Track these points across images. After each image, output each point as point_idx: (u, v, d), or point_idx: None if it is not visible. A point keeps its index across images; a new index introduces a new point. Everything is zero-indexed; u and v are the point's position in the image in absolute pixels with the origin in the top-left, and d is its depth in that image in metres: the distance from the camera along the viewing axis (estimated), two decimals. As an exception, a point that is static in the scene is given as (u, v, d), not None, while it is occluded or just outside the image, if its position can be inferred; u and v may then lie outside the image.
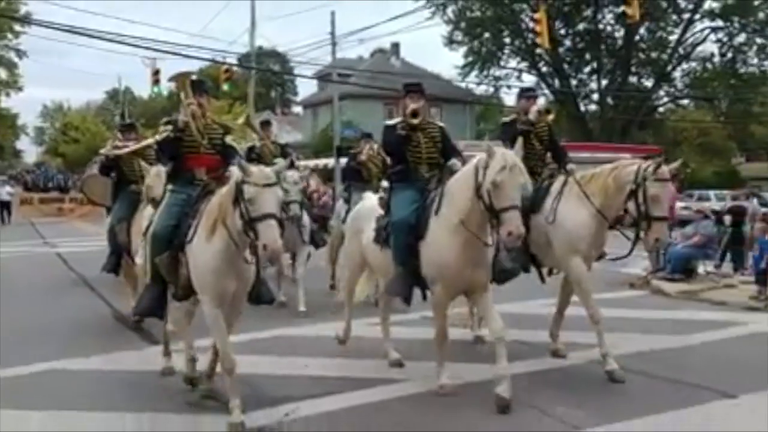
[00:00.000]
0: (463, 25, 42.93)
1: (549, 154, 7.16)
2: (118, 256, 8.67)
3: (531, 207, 6.38)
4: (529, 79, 43.51)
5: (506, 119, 7.52)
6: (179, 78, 5.96)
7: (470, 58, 43.38)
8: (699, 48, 42.08)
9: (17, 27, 44.64)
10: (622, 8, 40.62)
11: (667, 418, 5.01)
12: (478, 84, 44.95)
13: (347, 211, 8.99)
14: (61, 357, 6.81)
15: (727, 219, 13.17)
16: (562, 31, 43.38)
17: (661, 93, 44.93)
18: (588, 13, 42.28)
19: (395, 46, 48.64)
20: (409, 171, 6.03)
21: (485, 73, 44.09)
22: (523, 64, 44.31)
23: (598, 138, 38.73)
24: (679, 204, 14.45)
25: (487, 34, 43.56)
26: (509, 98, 49.72)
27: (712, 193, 29.63)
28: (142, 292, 5.85)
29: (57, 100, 79.18)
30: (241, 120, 11.63)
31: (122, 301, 8.92)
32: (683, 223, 13.11)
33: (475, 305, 5.82)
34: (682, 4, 41.25)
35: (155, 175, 7.25)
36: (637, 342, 7.18)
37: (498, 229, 4.99)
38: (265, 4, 58.48)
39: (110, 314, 9.13)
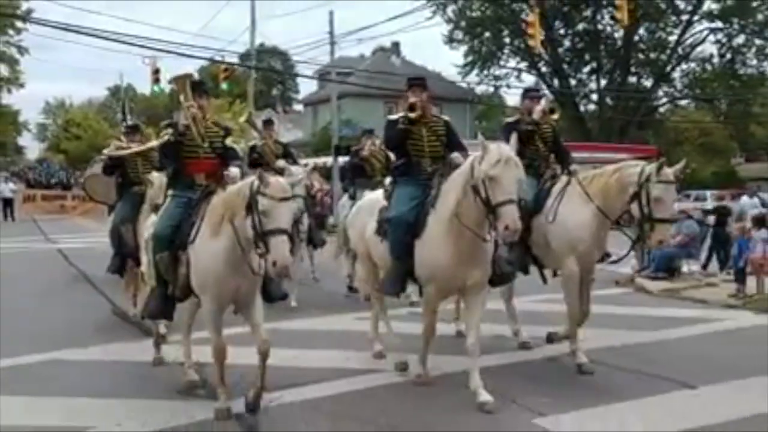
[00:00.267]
0: (463, 24, 43.13)
1: (552, 155, 7.16)
2: (122, 257, 8.71)
3: (533, 208, 6.46)
4: (528, 79, 43.78)
5: (510, 119, 7.53)
6: (179, 80, 5.94)
7: (470, 58, 43.63)
8: (698, 49, 42.23)
9: (19, 23, 44.86)
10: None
11: (627, 405, 5.31)
12: (479, 83, 45.16)
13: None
14: (60, 348, 7.13)
15: (711, 219, 13.44)
16: (562, 31, 43.59)
17: (660, 93, 45.07)
18: (587, 13, 42.44)
19: (395, 45, 48.88)
20: (411, 165, 6.00)
21: (485, 72, 44.35)
22: (523, 64, 44.47)
23: (597, 138, 38.96)
24: (675, 204, 14.69)
25: (487, 34, 43.73)
26: (511, 98, 50.21)
27: (708, 193, 29.89)
28: (149, 294, 5.84)
29: (59, 97, 79.47)
30: (243, 119, 11.81)
31: (120, 296, 9.19)
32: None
33: (465, 305, 5.78)
34: (681, 5, 41.41)
35: (158, 188, 7.18)
36: (613, 337, 7.44)
37: (495, 225, 4.98)
38: (266, 3, 58.66)
39: (109, 308, 9.43)
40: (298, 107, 61.68)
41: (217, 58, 29.32)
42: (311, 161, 25.23)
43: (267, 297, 5.40)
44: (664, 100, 46.29)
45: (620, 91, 41.86)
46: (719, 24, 40.78)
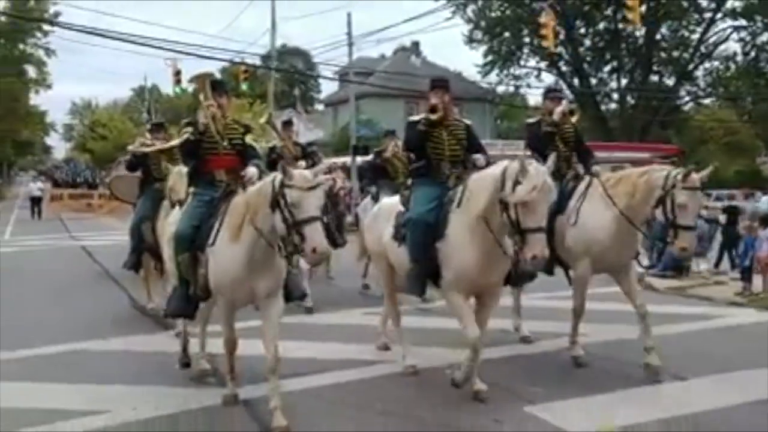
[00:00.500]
0: (483, 24, 43.22)
1: (575, 156, 7.14)
2: (139, 253, 8.94)
3: (556, 208, 6.33)
4: (548, 79, 43.80)
5: (531, 120, 7.54)
6: (199, 79, 6.01)
7: (490, 57, 43.71)
8: (722, 47, 41.97)
9: (46, 26, 45.67)
10: (643, 7, 41.23)
11: (616, 395, 5.55)
12: (498, 83, 45.19)
13: None
14: (82, 339, 7.50)
15: (722, 218, 13.52)
16: (582, 30, 43.54)
17: (683, 92, 44.78)
18: (608, 12, 42.30)
19: (415, 45, 49.09)
20: (431, 167, 5.96)
21: (505, 72, 44.42)
22: (543, 64, 44.46)
23: (619, 137, 38.90)
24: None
25: (506, 34, 43.78)
26: (532, 97, 50.19)
27: (739, 192, 29.69)
28: (171, 293, 5.95)
29: (86, 98, 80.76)
30: (262, 119, 12.04)
31: (140, 292, 9.54)
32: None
33: (479, 302, 5.65)
34: (704, 4, 41.18)
35: (177, 175, 7.39)
36: (614, 332, 7.56)
37: (522, 248, 4.91)
38: (286, 4, 59.07)
39: (128, 303, 9.80)
40: (320, 107, 62.14)
41: (237, 59, 29.63)
42: (332, 161, 25.54)
43: (286, 296, 5.43)
44: (687, 98, 46.02)
45: (642, 90, 41.73)
46: (743, 22, 40.51)
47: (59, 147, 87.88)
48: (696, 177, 5.95)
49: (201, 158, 5.76)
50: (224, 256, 5.04)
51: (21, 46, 50.03)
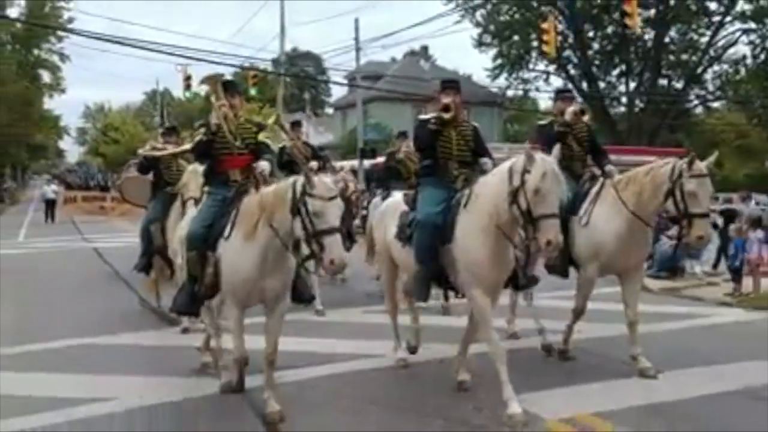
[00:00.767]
0: (492, 28, 43.47)
1: (589, 157, 7.12)
2: (150, 256, 9.00)
3: (571, 209, 6.31)
4: (556, 82, 43.97)
5: (543, 122, 7.53)
6: (211, 80, 6.10)
7: (499, 61, 43.94)
8: (731, 50, 41.97)
9: (60, 32, 46.33)
10: (652, 11, 41.37)
11: (594, 386, 5.84)
12: (507, 87, 45.35)
13: None
14: (92, 335, 7.87)
15: (720, 221, 13.73)
16: (591, 34, 43.69)
17: (692, 96, 44.80)
18: (616, 15, 42.40)
19: (424, 49, 49.43)
20: (438, 167, 5.96)
21: (514, 75, 44.62)
22: (552, 67, 44.63)
23: (627, 141, 39.00)
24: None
25: (515, 37, 43.98)
26: (542, 101, 50.43)
27: (736, 196, 29.79)
28: (179, 290, 6.00)
29: (98, 102, 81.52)
30: (271, 120, 12.34)
31: (149, 290, 9.77)
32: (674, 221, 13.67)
33: None
34: (713, 7, 41.24)
35: (191, 173, 7.49)
36: (604, 330, 7.72)
37: (535, 237, 4.91)
38: (295, 10, 59.69)
39: (137, 301, 10.18)
40: (330, 110, 62.59)
41: (247, 64, 30.07)
42: (342, 164, 25.86)
43: (296, 298, 5.52)
44: (696, 102, 46.04)
45: (651, 93, 41.81)
46: (752, 25, 40.54)
47: (72, 151, 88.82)
48: (702, 164, 5.93)
49: (215, 158, 5.83)
50: (237, 254, 5.07)
51: (36, 52, 50.84)
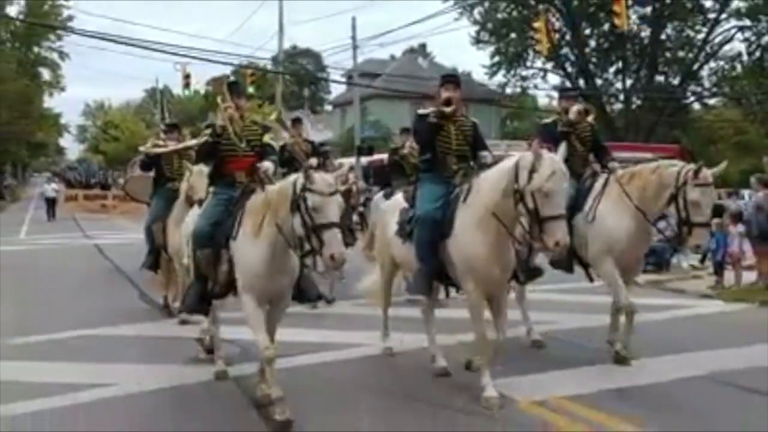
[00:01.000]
0: (489, 26, 43.73)
1: (591, 155, 7.16)
2: (157, 253, 9.08)
3: (574, 206, 6.32)
4: (554, 79, 44.24)
5: (546, 120, 7.55)
6: (216, 82, 6.60)
7: (497, 59, 44.19)
8: (726, 47, 42.19)
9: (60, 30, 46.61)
10: (648, 8, 41.61)
11: (568, 372, 6.17)
12: (505, 84, 45.57)
13: None
14: (93, 327, 8.18)
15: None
16: (587, 31, 43.93)
17: (688, 92, 45.02)
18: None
19: (422, 47, 49.71)
20: (437, 161, 5.95)
21: (512, 72, 44.87)
22: (549, 65, 44.87)
23: (624, 137, 39.26)
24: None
25: (513, 35, 44.23)
26: (542, 99, 50.68)
27: (723, 191, 30.07)
28: (186, 289, 6.07)
29: (98, 100, 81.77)
30: (272, 117, 12.55)
31: (149, 286, 10.30)
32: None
33: (490, 306, 5.57)
34: (708, 4, 41.47)
35: (198, 174, 7.51)
36: (585, 321, 8.07)
37: (541, 237, 4.92)
38: (296, 8, 59.84)
39: (137, 295, 10.52)
40: (330, 108, 62.86)
41: (246, 63, 30.36)
42: (340, 161, 26.09)
43: (302, 297, 5.57)
44: (692, 98, 46.26)
45: (648, 90, 42.00)
46: (747, 22, 40.78)
47: (72, 148, 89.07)
48: (708, 173, 5.95)
49: (220, 160, 5.87)
50: (247, 252, 5.11)
51: (35, 49, 51.11)
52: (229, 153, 5.83)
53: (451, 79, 6.27)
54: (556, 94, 40.28)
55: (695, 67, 42.68)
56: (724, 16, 40.99)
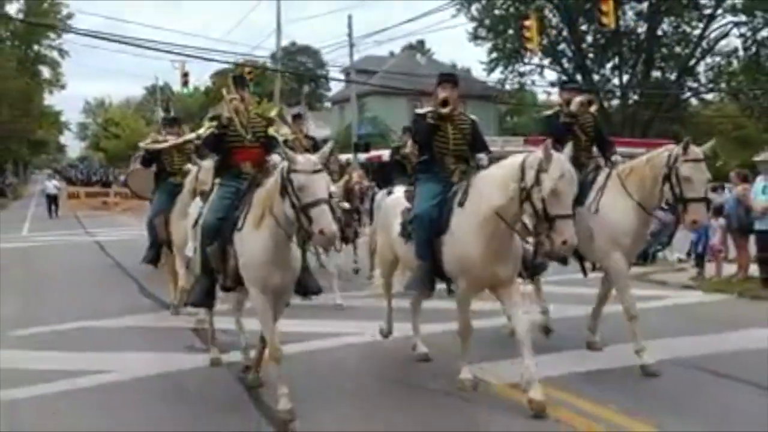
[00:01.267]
0: (487, 22, 43.98)
1: (595, 147, 7.15)
2: (158, 248, 9.10)
3: (576, 199, 5.93)
4: (551, 75, 44.51)
5: (548, 112, 7.55)
6: (221, 76, 6.70)
7: (494, 55, 44.45)
8: (723, 42, 42.42)
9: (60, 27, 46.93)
10: (644, 4, 41.82)
11: (547, 357, 6.32)
12: (503, 80, 45.82)
13: None
14: (93, 318, 8.56)
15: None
16: (584, 27, 44.18)
17: (685, 88, 45.25)
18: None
19: (420, 43, 49.99)
20: (435, 162, 5.95)
21: (510, 68, 45.12)
22: (546, 60, 45.12)
23: (622, 132, 39.51)
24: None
25: (510, 31, 44.46)
26: (539, 94, 50.94)
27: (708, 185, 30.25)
28: (193, 283, 6.12)
29: (99, 97, 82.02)
30: (274, 113, 12.85)
31: (148, 280, 10.68)
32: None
33: (502, 300, 5.61)
34: (703, 0, 41.70)
35: (207, 170, 7.41)
36: (564, 311, 8.23)
37: (549, 236, 4.94)
38: (294, 5, 60.02)
39: (136, 290, 10.87)
40: (329, 104, 63.13)
41: (243, 61, 30.65)
42: (345, 156, 26.30)
43: (303, 291, 5.56)
44: (688, 94, 46.48)
45: (644, 85, 42.24)
46: (743, 18, 41.02)
47: (73, 146, 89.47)
48: (698, 149, 5.99)
49: (226, 151, 5.92)
50: (251, 245, 5.15)
51: (35, 47, 51.45)
52: (236, 144, 5.89)
53: (449, 78, 6.27)
54: (553, 90, 40.28)
55: (692, 62, 42.98)
56: (719, 11, 41.27)
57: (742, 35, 41.46)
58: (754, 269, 10.75)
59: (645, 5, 42.26)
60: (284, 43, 38.28)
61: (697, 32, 42.39)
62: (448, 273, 5.61)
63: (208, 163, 7.31)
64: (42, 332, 7.95)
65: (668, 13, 42.16)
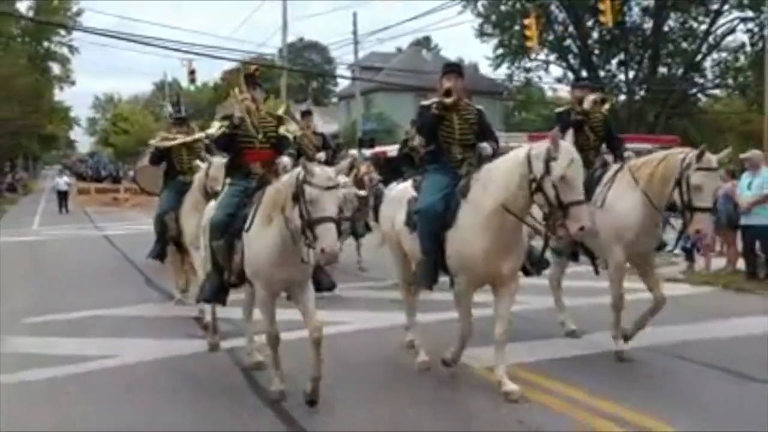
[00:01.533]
0: (493, 18, 44.16)
1: (604, 145, 7.17)
2: (164, 243, 9.19)
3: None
4: (556, 71, 44.64)
5: (560, 109, 7.50)
6: (233, 74, 6.79)
7: (500, 51, 44.63)
8: (729, 38, 42.42)
9: (69, 24, 47.40)
10: (651, 0, 41.83)
11: (526, 344, 6.79)
12: (509, 76, 45.98)
13: None
14: (101, 308, 8.98)
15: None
16: (590, 23, 44.28)
17: (691, 83, 45.27)
18: (616, 5, 42.84)
19: (426, 40, 50.17)
20: (441, 152, 5.92)
21: (516, 64, 45.30)
22: (552, 56, 45.26)
23: (628, 128, 39.63)
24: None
25: (516, 27, 44.62)
26: (547, 91, 51.12)
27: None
28: (204, 279, 6.18)
29: (108, 92, 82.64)
30: (281, 110, 13.14)
31: (154, 273, 11.08)
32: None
33: (496, 295, 5.65)
34: (710, -4, 41.73)
35: (217, 166, 7.57)
36: (547, 302, 8.44)
37: (565, 224, 4.92)
38: (299, 4, 60.18)
39: (143, 281, 11.31)
40: (336, 100, 63.43)
41: (249, 59, 31.02)
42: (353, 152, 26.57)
43: (316, 287, 5.54)
44: (694, 90, 46.52)
45: (650, 81, 42.29)
46: (750, 13, 41.04)
47: (83, 141, 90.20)
48: (712, 158, 5.92)
49: (237, 151, 5.95)
50: (259, 241, 5.18)
51: (45, 44, 51.98)
52: (246, 145, 5.92)
53: (453, 68, 6.24)
54: (559, 86, 40.26)
55: (698, 58, 42.97)
56: (726, 7, 41.21)
57: (748, 31, 41.45)
58: (742, 263, 11.08)
59: (651, 1, 42.29)
60: (292, 39, 38.74)
61: (703, 28, 42.35)
62: (450, 268, 5.61)
63: (218, 160, 7.50)
64: (54, 320, 8.40)
65: (674, 9, 42.17)
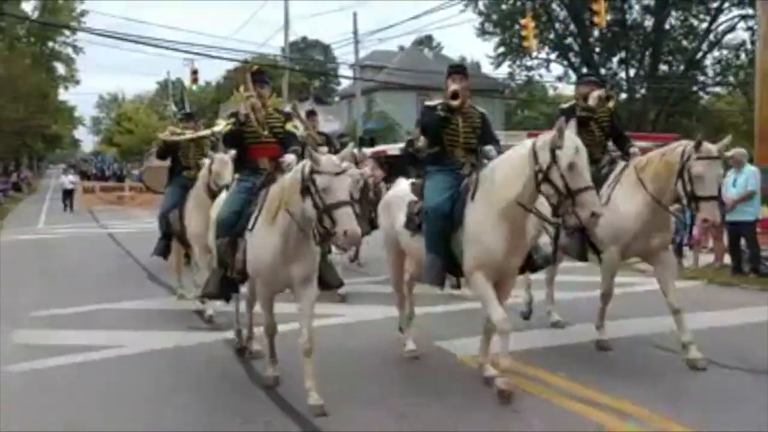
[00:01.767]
0: (494, 17, 44.38)
1: (611, 142, 7.18)
2: (168, 240, 9.34)
3: None
4: (557, 69, 44.82)
5: (565, 105, 7.48)
6: (240, 72, 6.96)
7: (501, 49, 44.85)
8: (730, 36, 42.57)
9: (73, 24, 47.79)
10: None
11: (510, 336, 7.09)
12: (510, 74, 46.21)
13: None
14: (106, 302, 9.34)
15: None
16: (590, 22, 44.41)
17: (694, 80, 45.40)
18: (616, 3, 43.17)
19: (428, 38, 50.39)
20: (444, 154, 5.93)
21: (517, 63, 45.51)
22: (553, 55, 45.46)
23: (629, 126, 39.67)
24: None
25: (517, 26, 44.80)
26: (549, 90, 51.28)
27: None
28: (209, 275, 6.26)
29: (112, 92, 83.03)
30: (287, 109, 13.34)
31: (158, 269, 11.40)
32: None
33: (497, 290, 5.56)
34: (710, -6, 41.89)
35: (220, 161, 7.71)
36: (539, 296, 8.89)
37: (575, 212, 4.92)
38: (301, 3, 60.23)
39: (146, 276, 11.67)
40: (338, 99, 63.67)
41: (250, 59, 31.34)
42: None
43: (324, 285, 5.59)
44: (695, 87, 46.66)
45: (652, 79, 42.47)
46: (750, 11, 41.17)
47: (87, 140, 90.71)
48: (711, 147, 5.93)
49: (244, 147, 6.07)
50: (261, 240, 5.23)
51: (50, 44, 52.39)
52: (253, 140, 6.03)
53: (459, 69, 6.22)
54: (560, 85, 40.36)
55: (699, 56, 43.15)
56: (726, 4, 41.35)
57: (749, 28, 41.59)
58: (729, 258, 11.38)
59: (653, -1, 42.52)
60: (295, 38, 39.00)
61: (704, 26, 42.54)
62: (464, 267, 5.56)
63: (221, 155, 7.66)
64: (61, 313, 8.76)
65: (675, 7, 42.35)
